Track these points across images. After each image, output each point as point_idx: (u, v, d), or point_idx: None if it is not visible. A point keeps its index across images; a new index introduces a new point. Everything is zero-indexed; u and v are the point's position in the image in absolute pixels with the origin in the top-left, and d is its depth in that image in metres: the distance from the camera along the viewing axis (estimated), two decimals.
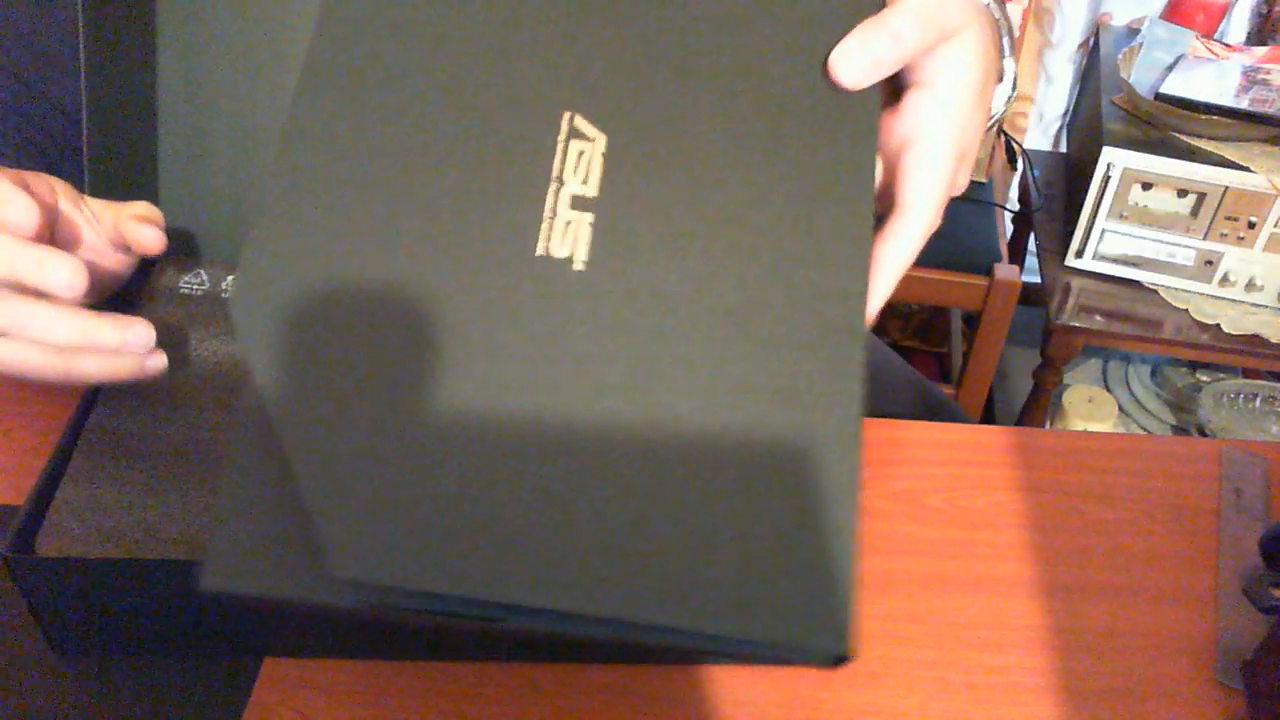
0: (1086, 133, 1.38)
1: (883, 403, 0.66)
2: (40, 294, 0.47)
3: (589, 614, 0.32)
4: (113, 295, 0.56)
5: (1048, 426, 1.47)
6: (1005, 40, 0.55)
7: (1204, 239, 1.24)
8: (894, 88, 0.41)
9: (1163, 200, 1.23)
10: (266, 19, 0.58)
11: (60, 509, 0.48)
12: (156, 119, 0.58)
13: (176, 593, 0.46)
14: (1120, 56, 1.36)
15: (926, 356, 1.73)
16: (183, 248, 0.60)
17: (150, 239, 0.52)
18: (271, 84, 0.58)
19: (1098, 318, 1.27)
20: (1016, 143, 1.53)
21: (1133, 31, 1.46)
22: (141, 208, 0.54)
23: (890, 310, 1.74)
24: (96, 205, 0.53)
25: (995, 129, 1.40)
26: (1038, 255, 1.38)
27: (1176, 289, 1.29)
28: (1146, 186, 1.23)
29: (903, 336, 1.74)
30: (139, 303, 0.57)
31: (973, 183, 1.44)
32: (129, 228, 0.52)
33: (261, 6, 0.57)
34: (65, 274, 0.46)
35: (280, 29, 0.58)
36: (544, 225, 0.36)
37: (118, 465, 0.50)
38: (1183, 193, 1.22)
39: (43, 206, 0.48)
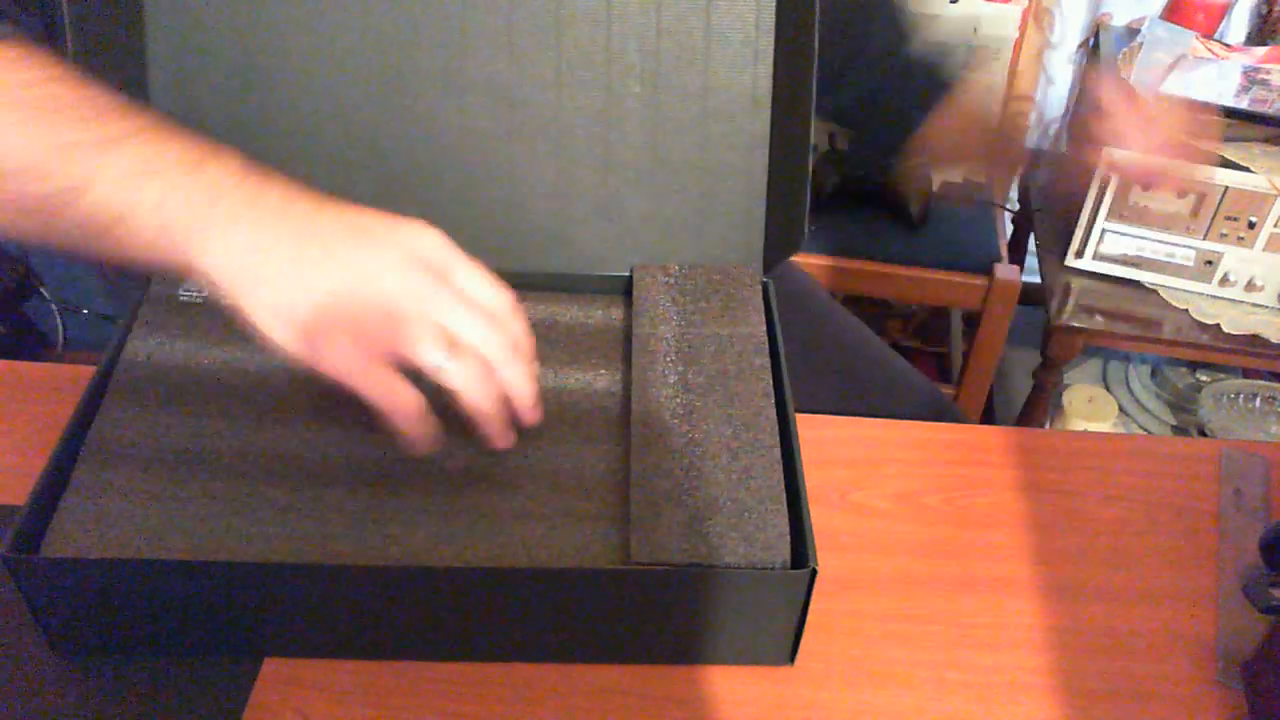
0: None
1: (894, 407, 0.66)
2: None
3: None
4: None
5: (1048, 426, 1.46)
6: None
7: (1204, 239, 1.24)
8: None
9: (1162, 200, 1.23)
10: (260, 17, 0.58)
11: (64, 518, 0.48)
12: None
13: (176, 593, 0.46)
14: (1120, 56, 1.36)
15: (926, 356, 1.73)
16: None
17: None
18: (269, 82, 0.58)
19: (1098, 318, 1.26)
20: None
21: (1133, 31, 1.45)
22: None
23: (890, 310, 1.74)
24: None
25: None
26: (1038, 255, 1.37)
27: (1176, 289, 1.28)
28: (1146, 186, 1.22)
29: (903, 336, 1.73)
30: (137, 311, 0.57)
31: (972, 183, 1.44)
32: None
33: (254, 5, 0.57)
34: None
35: (275, 26, 0.58)
36: None
37: (120, 474, 0.50)
38: (1183, 193, 1.21)
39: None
